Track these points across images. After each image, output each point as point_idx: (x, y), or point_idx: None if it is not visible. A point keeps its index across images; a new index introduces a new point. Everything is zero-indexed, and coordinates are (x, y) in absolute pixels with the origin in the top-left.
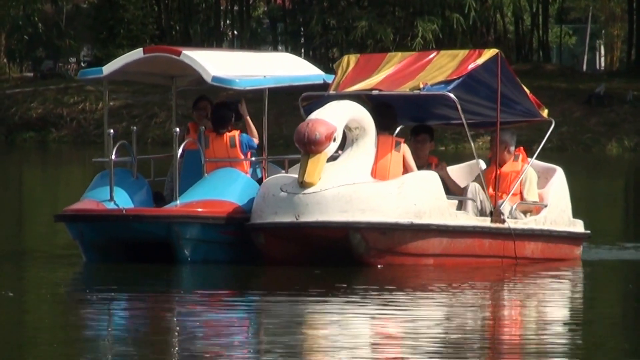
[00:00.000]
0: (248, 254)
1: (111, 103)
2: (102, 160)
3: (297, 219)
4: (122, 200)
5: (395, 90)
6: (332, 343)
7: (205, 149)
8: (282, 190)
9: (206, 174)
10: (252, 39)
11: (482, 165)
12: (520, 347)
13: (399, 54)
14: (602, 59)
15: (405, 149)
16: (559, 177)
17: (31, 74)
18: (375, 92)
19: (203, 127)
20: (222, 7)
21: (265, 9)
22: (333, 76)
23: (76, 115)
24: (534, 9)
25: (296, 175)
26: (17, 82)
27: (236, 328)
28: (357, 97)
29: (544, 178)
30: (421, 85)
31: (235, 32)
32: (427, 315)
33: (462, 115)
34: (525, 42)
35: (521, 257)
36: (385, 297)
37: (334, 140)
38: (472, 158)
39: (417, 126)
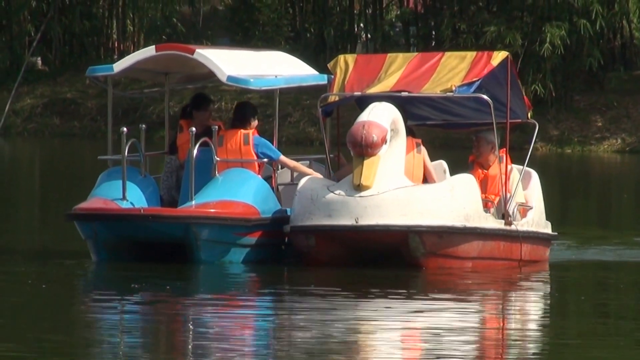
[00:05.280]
0: (261, 255)
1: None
2: (108, 158)
3: (356, 222)
4: (131, 199)
5: (421, 92)
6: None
7: (218, 146)
8: (332, 192)
9: (217, 174)
10: (384, 42)
11: (445, 166)
12: None
13: (400, 55)
14: None
15: (424, 150)
16: (536, 180)
17: None
18: (404, 94)
19: (216, 126)
20: (355, 11)
21: (398, 12)
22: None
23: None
24: None
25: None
26: (156, 82)
27: (256, 328)
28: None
29: (522, 181)
30: (453, 88)
31: (369, 35)
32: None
33: (494, 117)
34: None
35: (520, 260)
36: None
37: (386, 142)
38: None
39: None
